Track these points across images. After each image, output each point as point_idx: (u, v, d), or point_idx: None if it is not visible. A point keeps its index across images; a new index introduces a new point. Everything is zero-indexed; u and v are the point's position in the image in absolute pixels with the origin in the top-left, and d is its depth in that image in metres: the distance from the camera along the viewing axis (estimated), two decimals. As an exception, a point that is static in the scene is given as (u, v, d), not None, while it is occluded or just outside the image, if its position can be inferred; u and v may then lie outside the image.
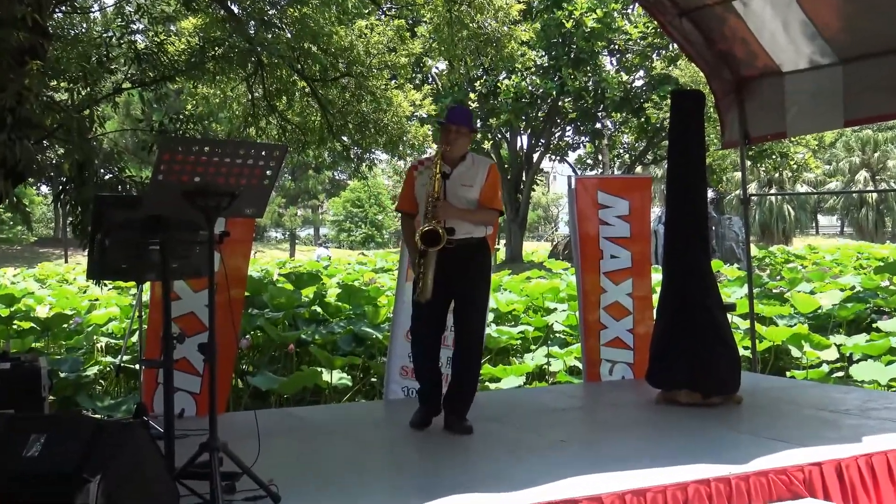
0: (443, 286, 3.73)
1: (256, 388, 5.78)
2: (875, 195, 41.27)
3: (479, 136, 22.47)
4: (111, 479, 2.30)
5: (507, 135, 24.96)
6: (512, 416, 4.25)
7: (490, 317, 7.90)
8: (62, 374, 5.77)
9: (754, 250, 21.74)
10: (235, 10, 8.84)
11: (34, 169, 5.09)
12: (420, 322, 3.87)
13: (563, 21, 20.82)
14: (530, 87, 21.96)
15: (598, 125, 24.90)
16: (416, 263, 3.75)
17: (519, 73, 21.25)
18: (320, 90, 9.46)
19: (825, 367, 6.44)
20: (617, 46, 22.56)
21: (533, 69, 21.49)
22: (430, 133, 12.34)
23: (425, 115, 13.97)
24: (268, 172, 2.87)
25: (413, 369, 4.05)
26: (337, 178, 49.17)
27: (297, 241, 47.58)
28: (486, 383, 6.22)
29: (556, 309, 8.54)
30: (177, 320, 4.17)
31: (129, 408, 5.19)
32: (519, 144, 25.44)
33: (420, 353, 3.91)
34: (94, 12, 10.56)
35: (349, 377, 6.19)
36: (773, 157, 22.96)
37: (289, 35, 9.03)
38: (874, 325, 7.55)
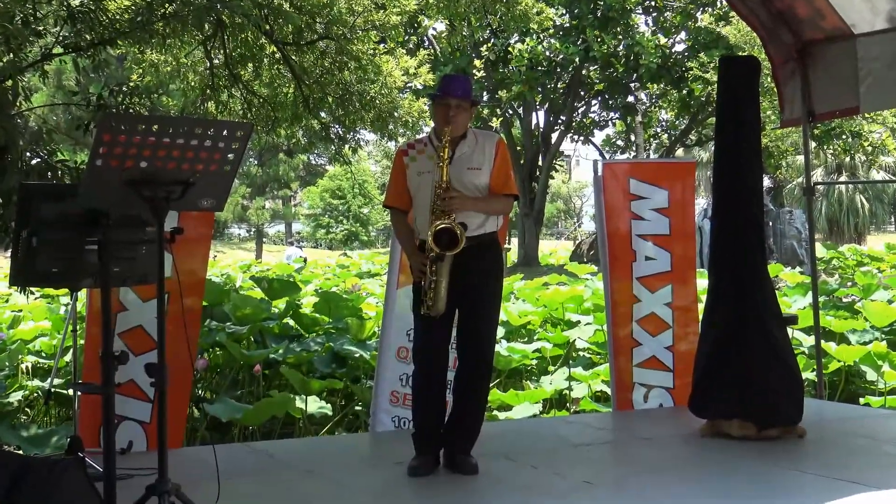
0: (449, 294, 3.70)
1: (215, 419, 5.77)
2: (967, 184, 41.22)
3: (485, 111, 22.51)
4: (39, 529, 2.29)
5: (520, 110, 24.96)
6: (526, 451, 4.25)
7: (498, 331, 7.90)
8: (-21, 401, 5.76)
9: (820, 250, 21.74)
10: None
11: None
12: (423, 340, 3.81)
13: (589, -29, 20.88)
14: (548, 53, 21.96)
15: (631, 98, 24.90)
16: (419, 270, 3.72)
17: (534, 36, 21.25)
18: (293, 56, 9.45)
19: (907, 393, 6.44)
20: (654, 3, 22.56)
21: (552, 30, 21.50)
22: (426, 108, 12.35)
23: (421, 87, 13.98)
24: (230, 156, 2.88)
25: (409, 397, 4.02)
26: (314, 163, 49.19)
27: (264, 239, 47.61)
28: (495, 412, 6.21)
29: (579, 322, 8.54)
30: (122, 336, 4.19)
31: (62, 442, 5.18)
32: (534, 122, 25.45)
33: (423, 380, 3.84)
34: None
35: (328, 405, 6.19)
36: (844, 137, 22.91)
37: (255, -12, 9.04)
38: (966, 342, 7.56)
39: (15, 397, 6.18)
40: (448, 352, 3.90)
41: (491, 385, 7.03)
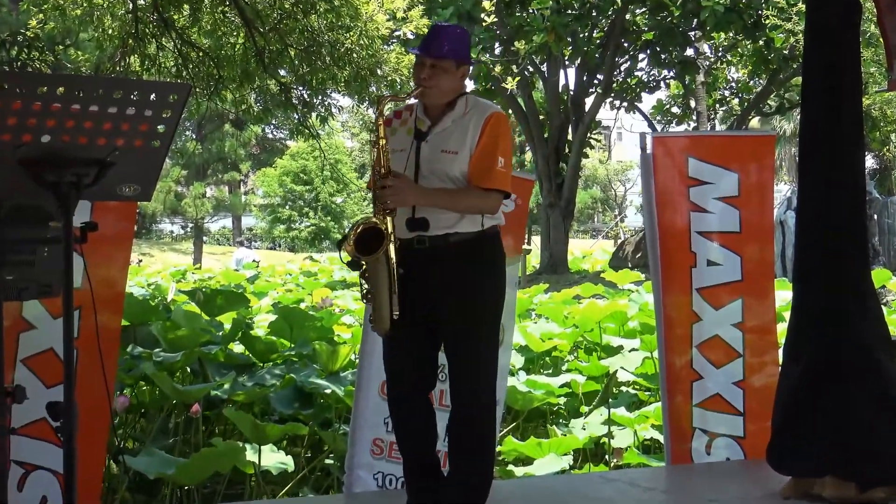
0: (423, 309, 3.80)
1: (140, 476, 5.76)
2: None
3: (497, 69, 22.53)
4: None
5: (544, 68, 24.99)
6: (552, 520, 4.24)
7: (515, 359, 7.89)
8: None
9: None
10: None
11: None
12: (395, 369, 3.94)
13: None
14: (581, -9, 22.01)
15: (690, 52, 24.92)
16: (362, 277, 3.83)
17: (563, -32, 21.29)
18: (244, -6, 9.48)
19: None
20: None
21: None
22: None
23: (412, 35, 13.97)
24: (159, 128, 2.88)
25: (395, 444, 4.08)
26: (270, 136, 49.20)
27: (205, 238, 47.65)
28: (510, 466, 6.21)
29: (621, 347, 8.54)
30: (29, 362, 4.20)
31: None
32: (562, 83, 25.48)
33: (403, 421, 3.96)
34: None
35: (289, 457, 6.17)
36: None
37: None
38: None
39: None
40: (423, 373, 3.97)
41: (505, 430, 7.11)
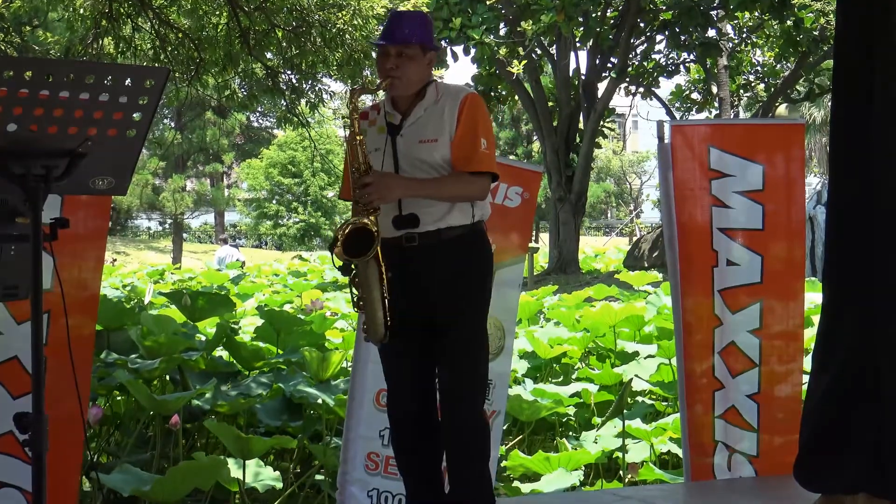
0: (419, 313, 3.86)
1: (114, 493, 5.78)
2: None
3: (503, 51, 22.53)
4: None
5: (553, 50, 25.01)
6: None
7: (520, 366, 7.90)
8: None
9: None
10: None
11: None
12: (396, 387, 4.03)
13: None
14: (593, -33, 22.01)
15: (712, 33, 24.92)
16: (352, 283, 3.87)
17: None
18: (226, -30, 9.49)
19: None
20: None
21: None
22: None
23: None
24: (135, 116, 2.89)
25: (391, 459, 4.12)
26: (256, 125, 49.24)
27: (185, 235, 47.74)
28: (516, 482, 6.22)
29: (636, 354, 8.55)
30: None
31: None
32: (573, 67, 25.49)
33: (407, 445, 4.05)
34: None
35: (276, 472, 6.19)
36: None
37: None
38: None
39: None
40: (426, 387, 4.03)
41: (512, 442, 7.10)
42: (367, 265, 3.76)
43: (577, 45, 24.86)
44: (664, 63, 26.60)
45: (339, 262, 3.85)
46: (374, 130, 3.98)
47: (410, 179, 3.86)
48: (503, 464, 6.28)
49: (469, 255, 3.94)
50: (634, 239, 32.81)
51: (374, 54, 10.72)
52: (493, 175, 3.96)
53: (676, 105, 28.83)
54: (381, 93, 4.09)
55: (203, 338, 8.32)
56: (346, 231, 3.77)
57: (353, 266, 3.79)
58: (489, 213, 4.09)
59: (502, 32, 23.15)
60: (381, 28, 4.05)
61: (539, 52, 24.72)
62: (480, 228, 3.99)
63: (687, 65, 26.92)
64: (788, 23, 22.55)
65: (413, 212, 3.83)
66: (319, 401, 6.71)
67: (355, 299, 3.86)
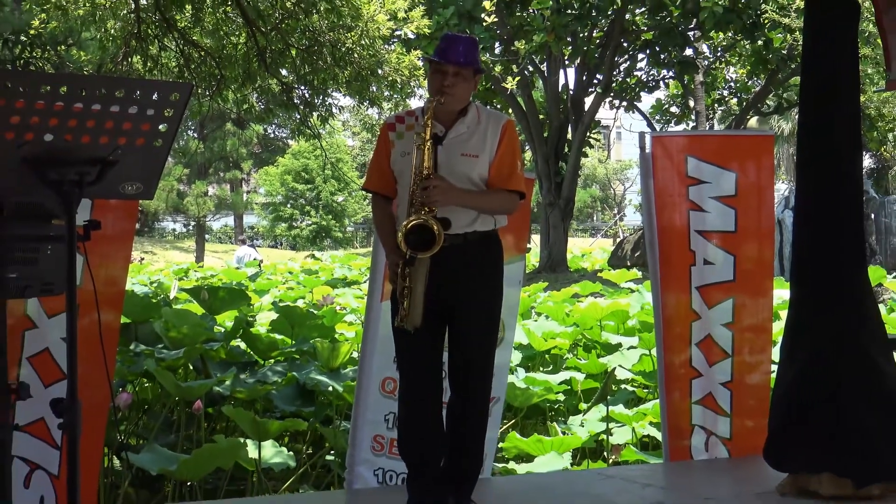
0: (433, 305, 3.89)
1: (143, 472, 5.77)
2: None
3: (498, 69, 22.53)
4: None
5: (544, 67, 24.98)
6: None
7: (514, 357, 7.90)
8: None
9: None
10: None
11: None
12: (407, 359, 4.06)
13: None
14: (580, -9, 21.99)
15: (689, 52, 24.91)
16: (395, 273, 3.92)
17: (563, -32, 21.27)
18: (245, -6, 9.49)
19: None
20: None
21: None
22: (419, 63, 12.37)
23: (413, 36, 13.99)
24: (161, 127, 2.89)
25: (396, 441, 4.13)
26: (272, 136, 49.19)
27: (206, 236, 47.65)
28: (510, 463, 6.23)
29: (619, 345, 8.56)
30: (33, 361, 4.20)
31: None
32: (562, 82, 25.47)
33: (409, 414, 4.07)
34: None
35: (290, 453, 6.19)
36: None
37: None
38: None
39: None
40: (438, 377, 4.10)
41: (506, 426, 7.11)
42: (422, 260, 3.82)
43: (566, 62, 24.86)
44: (645, 79, 26.60)
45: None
46: (411, 134, 4.01)
47: (463, 190, 3.93)
48: (500, 445, 6.29)
49: (488, 255, 4.05)
50: (618, 240, 32.81)
51: (380, 71, 10.73)
52: (522, 194, 4.09)
53: (657, 118, 28.80)
54: (420, 94, 4.13)
55: (222, 329, 8.34)
56: (409, 226, 3.82)
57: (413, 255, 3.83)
58: (506, 223, 4.18)
59: (497, 51, 23.14)
60: (437, 46, 4.05)
61: (531, 69, 24.71)
62: (496, 234, 4.10)
63: (666, 81, 26.90)
64: (759, 42, 22.54)
65: (447, 216, 3.88)
66: (330, 388, 6.73)
67: (400, 288, 3.87)
